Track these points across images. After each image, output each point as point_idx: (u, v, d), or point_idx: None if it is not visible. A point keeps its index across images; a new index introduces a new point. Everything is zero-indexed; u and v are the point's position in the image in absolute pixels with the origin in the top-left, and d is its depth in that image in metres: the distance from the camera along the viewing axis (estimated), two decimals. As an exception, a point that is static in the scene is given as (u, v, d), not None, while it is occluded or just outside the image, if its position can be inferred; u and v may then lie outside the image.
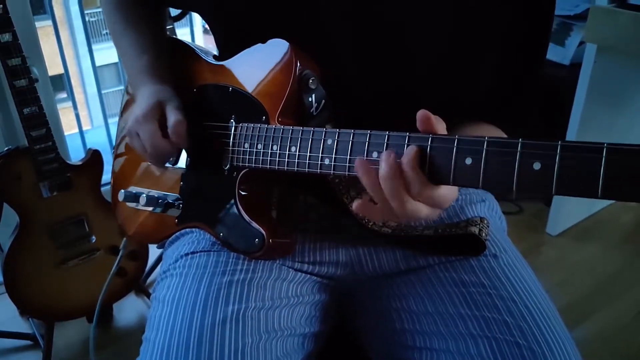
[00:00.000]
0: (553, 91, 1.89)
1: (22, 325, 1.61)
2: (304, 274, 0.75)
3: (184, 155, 0.78)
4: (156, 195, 0.79)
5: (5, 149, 1.35)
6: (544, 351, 0.62)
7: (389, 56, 0.68)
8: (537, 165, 0.46)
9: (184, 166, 0.78)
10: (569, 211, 2.04)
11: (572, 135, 1.87)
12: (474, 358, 0.63)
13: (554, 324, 0.66)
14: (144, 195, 0.78)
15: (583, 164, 0.44)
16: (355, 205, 0.57)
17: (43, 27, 1.79)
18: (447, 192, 0.54)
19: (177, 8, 0.83)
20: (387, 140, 0.55)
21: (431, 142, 0.52)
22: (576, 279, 1.83)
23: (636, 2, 1.59)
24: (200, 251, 0.75)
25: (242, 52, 0.72)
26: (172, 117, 0.72)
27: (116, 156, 0.92)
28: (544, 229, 2.06)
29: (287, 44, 0.65)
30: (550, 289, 0.72)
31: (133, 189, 0.84)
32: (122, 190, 0.81)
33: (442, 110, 0.60)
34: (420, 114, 0.52)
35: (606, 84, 1.81)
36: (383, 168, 0.53)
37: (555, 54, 2.07)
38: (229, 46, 0.76)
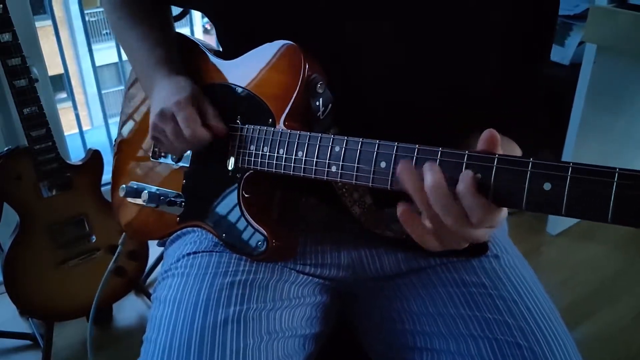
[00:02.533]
0: (553, 91, 1.89)
1: (22, 325, 1.61)
2: (305, 276, 0.75)
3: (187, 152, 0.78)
4: (158, 192, 0.79)
5: (5, 149, 1.35)
6: (545, 352, 0.62)
7: (398, 59, 0.68)
8: (547, 186, 0.46)
9: (188, 164, 0.78)
10: (569, 211, 2.04)
11: (572, 135, 1.87)
12: (474, 359, 0.63)
13: (554, 324, 0.66)
14: (146, 191, 0.77)
15: (594, 188, 0.44)
16: (399, 210, 0.52)
17: (43, 27, 1.79)
18: (505, 212, 0.52)
19: (180, 6, 0.82)
20: (396, 150, 0.55)
21: (497, 163, 0.49)
22: (577, 279, 1.83)
23: (636, 2, 1.59)
24: (203, 251, 0.74)
25: (249, 52, 0.71)
26: (210, 109, 0.71)
27: (118, 151, 0.91)
28: (544, 229, 2.06)
29: (296, 46, 0.65)
30: (550, 289, 0.72)
31: (134, 184, 0.84)
32: (123, 185, 0.81)
33: (453, 119, 0.59)
34: (488, 135, 0.49)
35: (606, 84, 1.81)
36: (429, 178, 0.50)
37: (555, 54, 2.06)
38: (232, 43, 0.76)
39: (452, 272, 0.72)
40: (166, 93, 0.72)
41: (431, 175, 0.50)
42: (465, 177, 0.49)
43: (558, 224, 2.04)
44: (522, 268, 0.73)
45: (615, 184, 0.43)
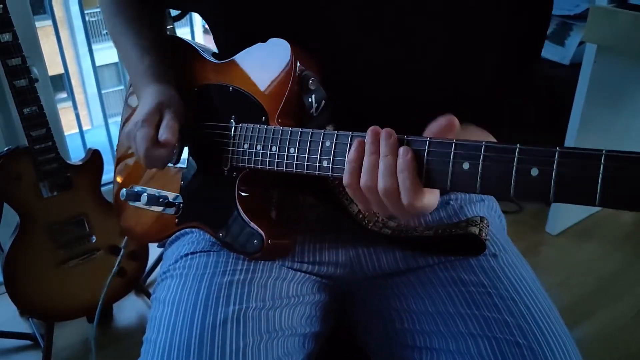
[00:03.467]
0: (553, 91, 1.89)
1: (22, 325, 1.61)
2: (303, 274, 0.75)
3: (184, 154, 0.78)
4: (157, 194, 0.79)
5: (5, 149, 1.35)
6: (544, 350, 0.62)
7: (395, 57, 0.68)
8: (534, 172, 0.46)
9: (185, 165, 0.78)
10: (568, 210, 2.04)
11: (572, 135, 1.87)
12: (473, 357, 0.63)
13: (554, 323, 0.66)
14: (145, 194, 0.78)
15: (581, 171, 0.44)
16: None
17: (43, 27, 1.79)
18: (431, 202, 0.56)
19: (177, 9, 0.83)
20: None
21: (429, 146, 0.52)
22: (576, 278, 1.83)
23: (636, 2, 1.59)
24: (200, 251, 0.75)
25: (242, 52, 0.72)
26: (164, 121, 0.70)
27: (118, 155, 0.92)
28: (543, 228, 2.06)
29: (287, 43, 0.65)
30: (550, 289, 0.72)
31: (134, 187, 0.84)
32: (124, 189, 0.81)
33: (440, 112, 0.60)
34: (448, 121, 0.53)
35: (606, 84, 1.81)
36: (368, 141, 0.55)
37: (555, 54, 2.06)
38: (229, 45, 0.76)
39: (451, 271, 0.72)
40: (140, 107, 0.73)
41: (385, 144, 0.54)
42: (406, 154, 0.53)
43: (557, 223, 2.04)
44: (521, 267, 0.73)
45: (602, 166, 0.43)
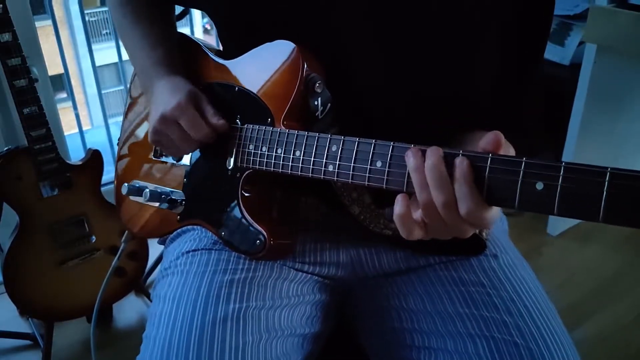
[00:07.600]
0: (553, 91, 1.89)
1: (22, 325, 1.61)
2: (304, 274, 0.75)
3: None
4: (159, 191, 0.79)
5: (5, 149, 1.35)
6: (542, 350, 0.62)
7: (398, 61, 0.68)
8: (539, 185, 0.46)
9: (188, 163, 0.78)
10: (569, 212, 2.03)
11: (572, 136, 1.87)
12: (472, 357, 0.63)
13: (552, 324, 0.66)
14: (147, 190, 0.78)
15: (585, 188, 0.44)
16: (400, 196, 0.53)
17: (43, 27, 1.79)
18: (496, 213, 0.52)
19: (183, 5, 0.82)
20: (392, 150, 0.55)
21: (490, 163, 0.49)
22: (577, 279, 1.83)
23: (636, 2, 1.59)
24: (202, 249, 0.75)
25: (249, 52, 0.71)
26: (211, 109, 0.71)
27: (121, 151, 0.92)
28: (544, 229, 2.06)
29: (294, 45, 0.65)
30: (550, 290, 0.72)
31: (136, 182, 0.84)
32: (126, 184, 0.81)
33: (449, 119, 0.59)
34: (493, 137, 0.50)
35: (606, 84, 1.81)
36: (429, 159, 0.51)
37: (555, 54, 2.06)
38: (233, 43, 0.76)
39: (451, 270, 0.72)
40: (164, 95, 0.72)
41: (432, 155, 0.51)
42: (462, 163, 0.50)
43: (558, 224, 2.04)
44: (521, 268, 0.73)
45: (606, 183, 0.43)
